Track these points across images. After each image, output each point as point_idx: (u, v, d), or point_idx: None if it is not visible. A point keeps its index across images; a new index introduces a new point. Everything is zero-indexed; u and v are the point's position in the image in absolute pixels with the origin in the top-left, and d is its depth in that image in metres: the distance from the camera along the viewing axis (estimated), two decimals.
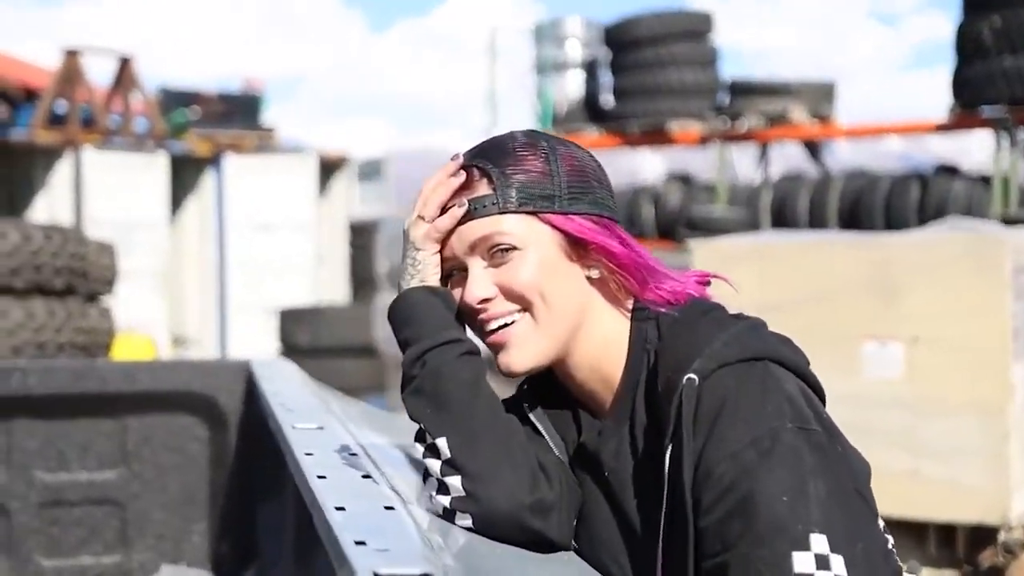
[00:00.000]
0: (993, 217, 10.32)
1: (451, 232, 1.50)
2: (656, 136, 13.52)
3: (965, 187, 11.84)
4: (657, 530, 1.40)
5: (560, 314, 1.49)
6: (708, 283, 1.57)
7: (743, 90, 13.15)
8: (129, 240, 11.07)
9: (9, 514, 2.78)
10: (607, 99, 14.08)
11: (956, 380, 4.65)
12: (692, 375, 1.38)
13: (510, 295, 1.48)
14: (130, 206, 12.17)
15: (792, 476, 1.29)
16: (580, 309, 1.50)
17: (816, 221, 12.50)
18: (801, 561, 1.25)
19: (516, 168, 1.50)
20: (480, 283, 1.49)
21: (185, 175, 13.33)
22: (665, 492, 1.38)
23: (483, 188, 1.50)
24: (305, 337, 10.16)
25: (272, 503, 2.48)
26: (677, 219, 12.90)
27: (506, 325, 1.49)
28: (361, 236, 13.03)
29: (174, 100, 14.27)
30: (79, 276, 5.84)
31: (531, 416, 1.58)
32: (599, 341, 1.52)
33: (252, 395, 2.68)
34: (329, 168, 14.24)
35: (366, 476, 1.50)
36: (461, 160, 1.52)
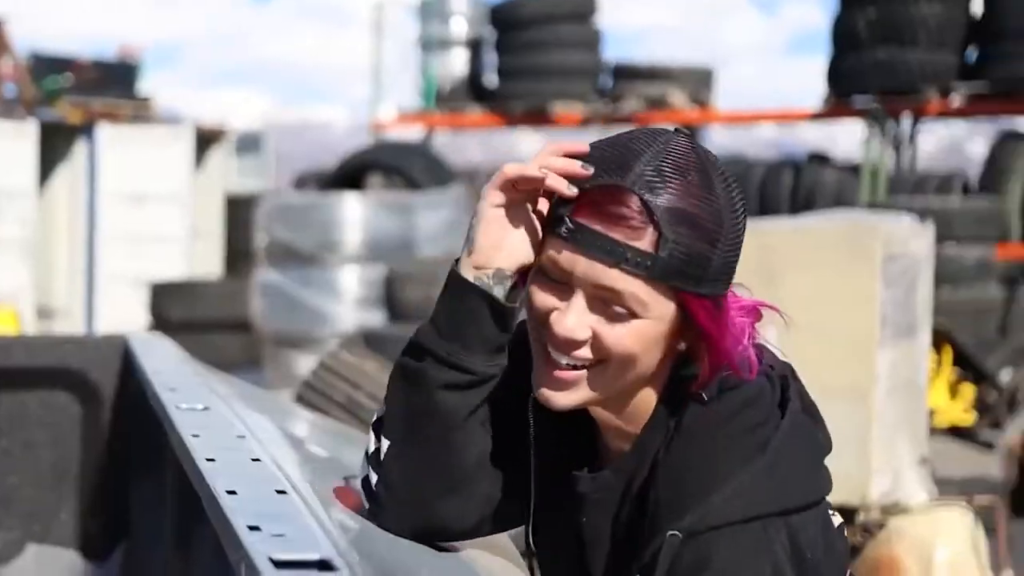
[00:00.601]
0: (861, 206, 10.61)
1: (568, 243, 1.33)
2: (538, 117, 13.57)
3: (835, 175, 12.11)
4: None
5: (629, 379, 1.38)
6: (759, 315, 1.45)
7: (625, 73, 13.29)
8: None
9: None
10: (491, 78, 14.09)
11: (826, 365, 4.76)
12: (676, 532, 1.31)
13: (599, 350, 1.35)
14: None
15: None
16: (645, 376, 1.40)
17: None
18: None
19: (689, 237, 1.31)
20: (581, 322, 1.34)
21: (56, 144, 12.99)
22: None
23: (645, 242, 1.30)
24: (178, 311, 10.02)
25: (148, 483, 2.43)
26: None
27: (575, 367, 1.37)
28: (238, 210, 12.84)
29: (46, 66, 13.88)
30: None
31: (531, 409, 1.47)
32: (637, 393, 1.43)
33: (128, 372, 2.62)
34: (206, 140, 14.02)
35: (255, 459, 1.47)
36: (616, 182, 1.32)
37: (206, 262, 13.21)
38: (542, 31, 13.36)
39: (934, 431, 8.63)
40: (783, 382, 1.43)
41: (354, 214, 8.02)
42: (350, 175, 9.20)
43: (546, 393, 1.38)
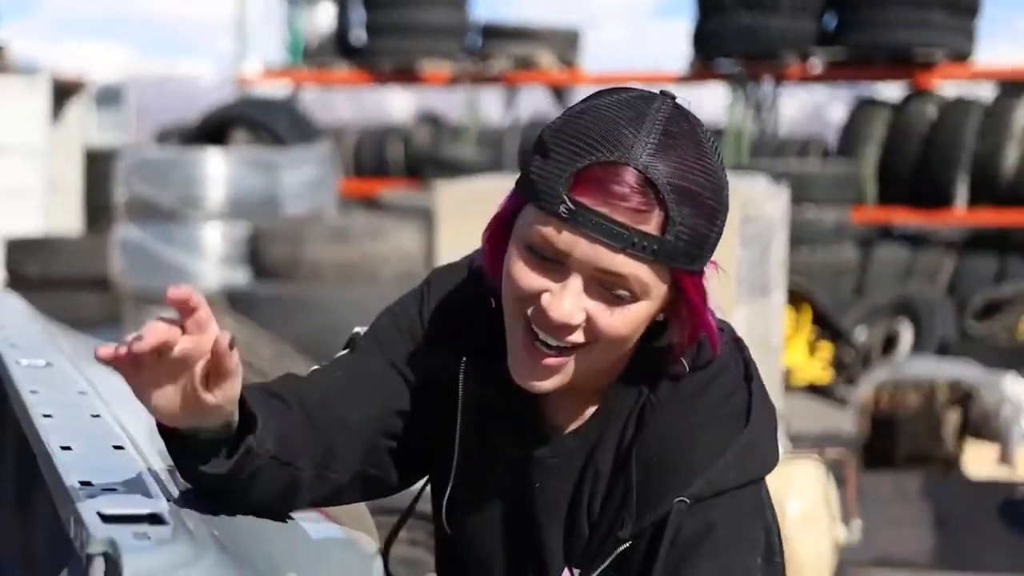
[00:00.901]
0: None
1: (567, 223, 1.25)
2: (406, 75, 13.51)
3: None
4: (557, 556, 1.41)
5: (613, 359, 1.35)
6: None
7: (494, 33, 13.30)
8: None
9: None
10: (359, 35, 13.95)
11: None
12: (685, 499, 1.30)
13: (591, 333, 1.29)
14: None
15: None
16: (628, 349, 1.36)
17: None
18: None
19: (693, 216, 1.27)
20: (576, 305, 1.28)
21: None
22: (604, 566, 1.35)
23: (652, 224, 1.25)
24: (35, 268, 9.78)
25: None
26: (426, 160, 12.94)
27: (562, 350, 1.31)
28: (98, 164, 12.53)
29: None
30: None
31: (463, 364, 1.43)
32: (614, 363, 1.38)
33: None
34: (64, 92, 13.65)
35: (95, 415, 1.45)
36: None
37: (64, 218, 12.89)
38: None
39: (793, 389, 8.88)
40: (743, 353, 1.43)
41: (217, 170, 7.88)
42: (213, 130, 9.06)
43: (529, 378, 1.33)
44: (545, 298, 1.28)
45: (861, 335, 9.67)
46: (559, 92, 13.80)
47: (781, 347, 6.16)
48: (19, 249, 10.09)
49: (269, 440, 1.27)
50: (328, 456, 1.38)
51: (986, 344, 8.70)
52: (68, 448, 1.26)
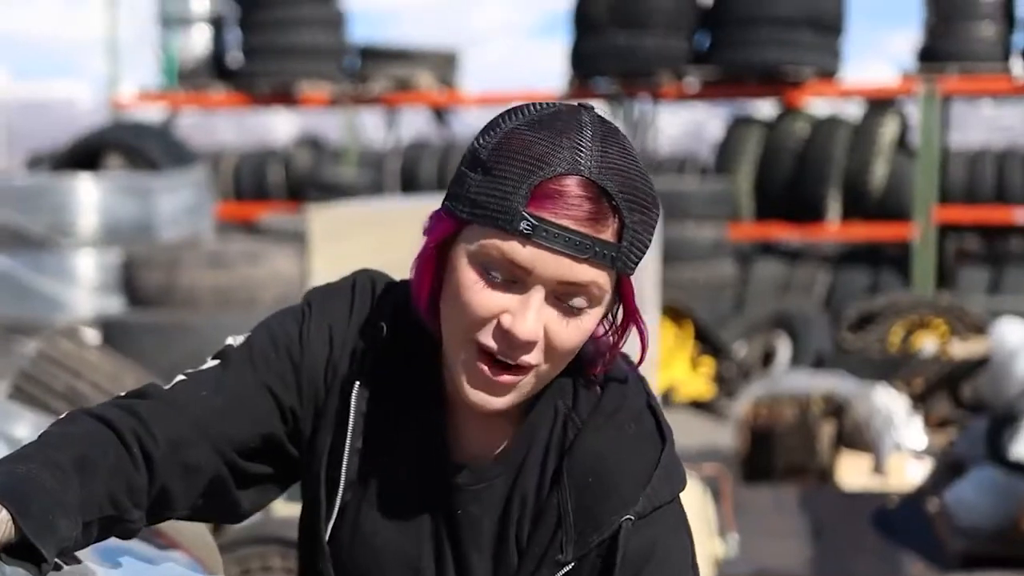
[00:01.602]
0: None
1: (530, 240, 1.24)
2: (284, 97, 13.41)
3: None
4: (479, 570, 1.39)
5: (557, 373, 1.34)
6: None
7: (372, 55, 13.28)
8: None
9: None
10: (236, 57, 13.81)
11: None
12: (631, 516, 1.32)
13: (550, 348, 1.29)
14: None
15: None
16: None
17: (442, 186, 12.79)
18: None
19: (641, 222, 1.28)
20: (538, 321, 1.27)
21: None
22: None
23: (609, 232, 1.25)
24: None
25: None
26: (307, 182, 12.86)
27: (517, 369, 1.30)
28: None
29: None
30: None
31: (356, 388, 1.39)
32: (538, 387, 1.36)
33: None
34: None
35: None
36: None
37: None
38: (285, 9, 13.21)
39: (676, 404, 8.95)
40: (634, 367, 1.44)
41: (89, 196, 7.72)
42: (86, 155, 8.88)
43: (482, 398, 1.30)
44: (506, 319, 1.27)
45: (741, 350, 9.79)
46: (439, 113, 13.83)
47: (657, 364, 6.20)
48: None
49: (71, 536, 1.21)
50: (164, 497, 1.33)
51: (860, 356, 8.87)
52: None
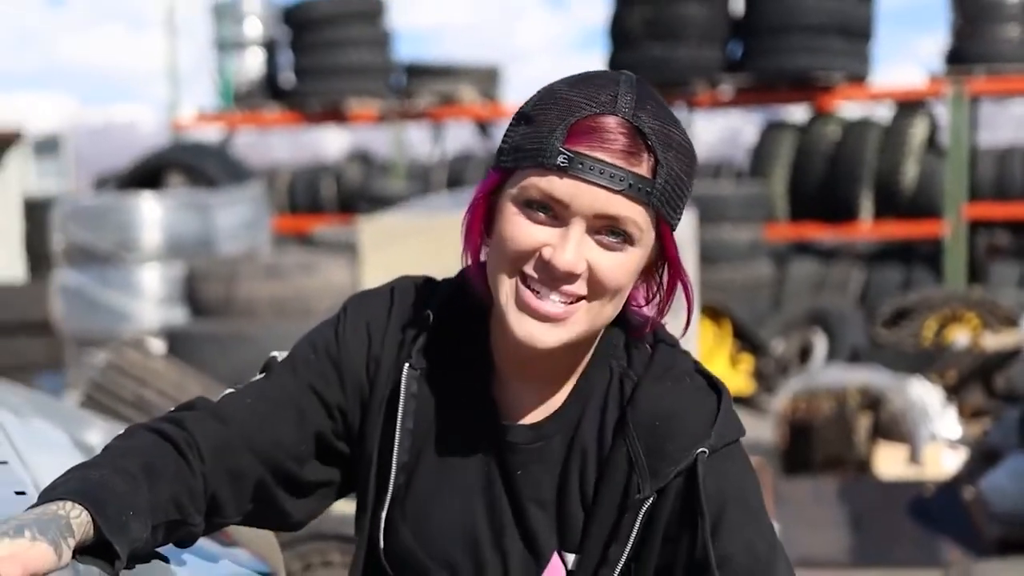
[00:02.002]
0: None
1: (566, 172, 1.26)
2: (335, 115, 13.49)
3: None
4: (544, 543, 1.38)
5: (610, 317, 1.34)
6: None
7: (417, 71, 13.33)
8: None
9: None
10: (287, 78, 13.92)
11: None
12: (705, 449, 1.33)
13: (594, 282, 1.29)
14: None
15: (789, 568, 1.38)
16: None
17: None
18: None
19: (677, 162, 1.29)
20: (579, 253, 1.27)
21: None
22: (634, 532, 1.34)
23: (644, 167, 1.27)
24: None
25: None
26: (357, 195, 12.93)
27: (564, 303, 1.29)
28: (36, 213, 12.37)
29: None
30: None
31: (405, 370, 1.39)
32: (584, 348, 1.38)
33: None
34: (2, 144, 13.49)
35: (3, 462, 1.43)
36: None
37: (5, 266, 12.71)
38: (334, 31, 13.29)
39: None
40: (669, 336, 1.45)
41: (152, 214, 7.82)
42: (148, 175, 8.98)
43: (537, 332, 1.29)
44: (547, 251, 1.27)
45: (778, 347, 9.74)
46: (483, 126, 13.85)
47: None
48: None
49: (142, 537, 1.24)
50: (215, 504, 1.35)
51: (894, 350, 8.80)
52: None
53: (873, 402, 6.65)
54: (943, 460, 6.35)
